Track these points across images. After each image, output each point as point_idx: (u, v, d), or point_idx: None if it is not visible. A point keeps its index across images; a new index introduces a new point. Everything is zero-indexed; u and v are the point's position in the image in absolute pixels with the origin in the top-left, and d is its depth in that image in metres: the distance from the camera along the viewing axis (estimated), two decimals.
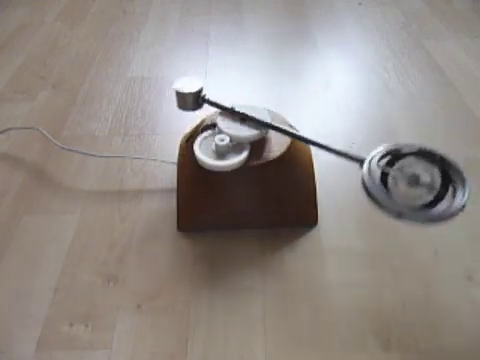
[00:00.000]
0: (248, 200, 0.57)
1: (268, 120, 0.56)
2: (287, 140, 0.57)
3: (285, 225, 0.59)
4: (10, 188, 0.67)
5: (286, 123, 0.59)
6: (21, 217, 0.63)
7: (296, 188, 0.58)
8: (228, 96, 0.85)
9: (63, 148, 0.71)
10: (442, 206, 0.41)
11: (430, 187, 0.42)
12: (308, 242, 0.58)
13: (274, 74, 0.92)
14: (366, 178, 0.43)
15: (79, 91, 0.89)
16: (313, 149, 0.60)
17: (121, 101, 0.86)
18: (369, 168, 0.44)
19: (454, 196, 0.41)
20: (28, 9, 1.22)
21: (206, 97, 0.55)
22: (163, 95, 0.87)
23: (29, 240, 0.60)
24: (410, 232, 0.59)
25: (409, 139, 0.74)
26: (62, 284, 0.54)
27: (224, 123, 0.55)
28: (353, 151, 0.49)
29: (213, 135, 0.55)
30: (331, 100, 0.84)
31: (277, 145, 0.56)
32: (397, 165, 0.45)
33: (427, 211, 0.41)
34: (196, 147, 0.55)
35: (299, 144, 0.58)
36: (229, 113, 0.56)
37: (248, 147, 0.54)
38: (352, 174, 0.68)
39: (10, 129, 0.77)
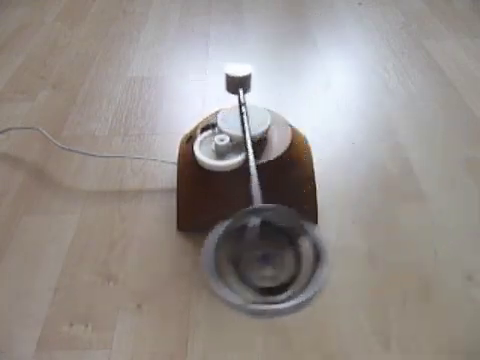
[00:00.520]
0: (248, 200, 0.57)
1: (268, 120, 0.56)
2: (287, 140, 0.57)
3: None
4: (10, 188, 0.67)
5: (286, 123, 0.59)
6: (21, 217, 0.63)
7: (296, 188, 0.58)
8: (228, 96, 0.85)
9: (63, 148, 0.71)
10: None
11: (286, 269, 0.36)
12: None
13: (274, 74, 0.92)
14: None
15: (79, 91, 0.89)
16: (313, 149, 0.60)
17: (121, 101, 0.86)
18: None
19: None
20: (28, 9, 1.22)
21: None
22: (163, 95, 0.87)
23: (29, 240, 0.60)
24: (410, 232, 0.59)
25: (409, 139, 0.74)
26: (62, 284, 0.54)
27: (224, 123, 0.55)
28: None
29: (213, 135, 0.55)
30: (331, 100, 0.84)
31: (277, 145, 0.56)
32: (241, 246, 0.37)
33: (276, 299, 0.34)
34: (196, 147, 0.55)
35: (299, 144, 0.58)
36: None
37: None
38: (352, 174, 0.68)
39: (10, 129, 0.77)
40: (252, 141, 0.55)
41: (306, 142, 0.61)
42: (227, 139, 0.53)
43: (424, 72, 0.90)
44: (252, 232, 0.37)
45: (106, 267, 0.56)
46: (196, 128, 0.59)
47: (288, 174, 0.56)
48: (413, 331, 0.48)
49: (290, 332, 0.49)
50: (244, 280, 0.35)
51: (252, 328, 0.49)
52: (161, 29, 1.10)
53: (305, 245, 0.37)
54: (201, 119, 0.61)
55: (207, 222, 0.59)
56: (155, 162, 0.70)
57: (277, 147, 0.56)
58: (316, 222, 0.60)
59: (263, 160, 0.54)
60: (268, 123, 0.56)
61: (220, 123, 0.55)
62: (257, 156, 0.55)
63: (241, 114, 0.53)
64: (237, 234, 0.38)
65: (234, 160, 0.52)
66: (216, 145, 0.53)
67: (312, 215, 0.60)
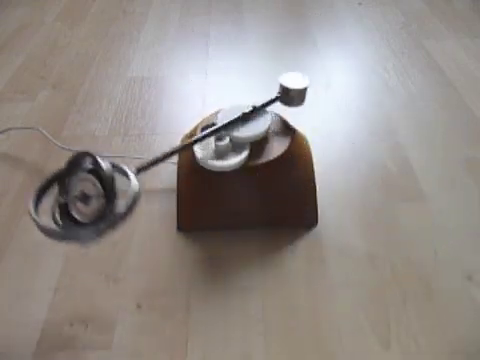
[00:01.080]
0: (248, 200, 0.57)
1: (268, 120, 0.56)
2: (287, 140, 0.57)
3: (285, 225, 0.59)
4: (10, 188, 0.67)
5: (286, 123, 0.60)
6: (21, 217, 0.63)
7: (296, 188, 0.58)
8: (228, 96, 0.85)
9: (63, 148, 0.71)
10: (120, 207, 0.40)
11: (100, 195, 0.40)
12: (308, 242, 0.58)
13: (274, 74, 0.92)
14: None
15: (79, 91, 0.89)
16: (313, 149, 0.60)
17: (121, 101, 0.86)
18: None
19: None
20: (28, 9, 1.22)
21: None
22: (163, 95, 0.87)
23: (29, 240, 0.60)
24: (410, 232, 0.59)
25: (409, 139, 0.74)
26: (62, 284, 0.54)
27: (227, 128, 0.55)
28: None
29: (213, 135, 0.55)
30: (331, 100, 0.84)
31: (277, 145, 0.56)
32: (63, 192, 0.43)
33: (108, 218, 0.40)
34: (196, 147, 0.55)
35: (299, 144, 0.58)
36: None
37: (248, 147, 0.54)
38: (352, 174, 0.68)
39: (10, 129, 0.77)
40: (252, 141, 0.55)
41: (306, 142, 0.61)
42: (227, 139, 0.53)
43: (424, 72, 0.90)
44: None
45: (106, 267, 0.56)
46: (196, 128, 0.59)
47: (288, 174, 0.56)
48: (413, 331, 0.48)
49: (290, 332, 0.49)
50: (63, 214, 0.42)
51: (252, 328, 0.49)
52: (161, 29, 1.10)
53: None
54: (201, 119, 0.61)
55: (207, 222, 0.60)
56: None
57: (277, 147, 0.56)
58: (316, 222, 0.60)
59: (263, 160, 0.54)
60: (268, 123, 0.56)
61: (220, 123, 0.55)
62: (257, 156, 0.55)
63: None
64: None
65: (234, 160, 0.53)
66: (216, 145, 0.53)
67: (312, 215, 0.60)
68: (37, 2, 1.25)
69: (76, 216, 0.42)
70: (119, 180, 0.42)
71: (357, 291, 0.53)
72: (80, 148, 0.71)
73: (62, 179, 0.44)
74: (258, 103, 0.57)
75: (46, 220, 0.42)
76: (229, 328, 0.49)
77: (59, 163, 0.45)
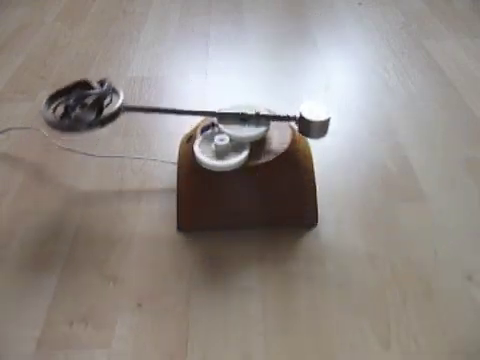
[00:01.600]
0: (248, 200, 0.57)
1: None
2: (287, 140, 0.57)
3: (285, 225, 0.59)
4: (10, 188, 0.67)
5: (286, 123, 0.59)
6: (22, 217, 0.63)
7: (296, 188, 0.58)
8: (228, 96, 0.85)
9: (63, 148, 0.71)
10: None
11: (94, 104, 0.56)
12: (308, 242, 0.58)
13: (274, 74, 0.92)
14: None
15: None
16: (313, 149, 0.60)
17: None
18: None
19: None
20: (28, 9, 1.22)
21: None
22: (163, 95, 0.87)
23: (29, 240, 0.60)
24: (410, 232, 0.59)
25: (409, 139, 0.74)
26: (62, 284, 0.54)
27: (224, 123, 0.55)
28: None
29: (213, 135, 0.55)
30: (331, 100, 0.84)
31: (277, 145, 0.56)
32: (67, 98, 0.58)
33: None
34: (196, 147, 0.55)
35: (299, 144, 0.58)
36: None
37: (248, 147, 0.54)
38: (352, 174, 0.68)
39: (10, 129, 0.77)
40: (252, 141, 0.55)
41: (306, 142, 0.61)
42: (227, 139, 0.53)
43: (424, 72, 0.90)
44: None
45: (106, 267, 0.56)
46: (196, 128, 0.59)
47: (288, 174, 0.56)
48: (413, 331, 0.48)
49: (290, 332, 0.49)
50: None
51: (252, 328, 0.49)
52: (161, 29, 1.10)
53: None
54: (201, 119, 0.61)
55: (207, 222, 0.60)
56: (155, 162, 0.70)
57: (277, 147, 0.56)
58: (316, 222, 0.60)
59: (263, 160, 0.54)
60: (268, 123, 0.56)
61: (220, 123, 0.55)
62: (257, 156, 0.55)
63: None
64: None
65: (234, 160, 0.53)
66: (216, 145, 0.53)
67: (312, 215, 0.60)
68: (37, 2, 1.25)
69: (74, 117, 0.56)
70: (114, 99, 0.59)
71: (357, 291, 0.53)
72: (80, 148, 0.72)
73: (69, 91, 0.59)
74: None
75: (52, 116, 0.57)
76: (229, 328, 0.49)
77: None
